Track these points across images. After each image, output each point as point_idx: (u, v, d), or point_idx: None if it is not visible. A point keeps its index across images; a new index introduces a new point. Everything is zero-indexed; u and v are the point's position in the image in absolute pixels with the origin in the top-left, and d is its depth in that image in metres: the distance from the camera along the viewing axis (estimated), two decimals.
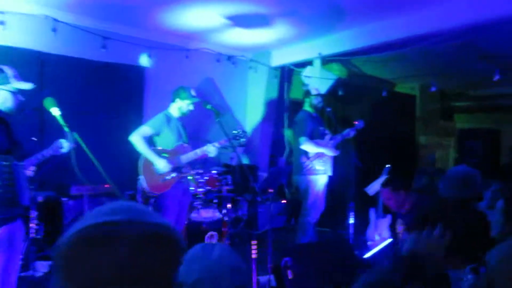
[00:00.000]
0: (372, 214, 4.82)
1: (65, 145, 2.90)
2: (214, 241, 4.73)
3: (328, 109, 4.71)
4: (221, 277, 1.19)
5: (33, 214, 3.69)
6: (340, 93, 6.05)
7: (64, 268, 0.67)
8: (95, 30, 5.10)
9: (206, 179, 4.84)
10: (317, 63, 6.03)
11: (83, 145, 2.37)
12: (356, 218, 4.68)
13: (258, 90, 6.87)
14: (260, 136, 6.71)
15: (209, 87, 6.35)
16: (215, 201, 5.03)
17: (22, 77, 2.97)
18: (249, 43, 6.20)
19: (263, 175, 6.14)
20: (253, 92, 6.97)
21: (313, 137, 4.53)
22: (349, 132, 4.69)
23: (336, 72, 6.58)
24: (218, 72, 6.49)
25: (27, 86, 2.77)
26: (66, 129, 2.38)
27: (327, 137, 4.64)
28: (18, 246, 2.74)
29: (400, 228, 3.48)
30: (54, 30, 4.78)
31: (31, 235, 3.71)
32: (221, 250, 1.25)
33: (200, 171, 4.83)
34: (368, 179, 4.78)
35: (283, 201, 6.19)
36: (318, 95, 4.75)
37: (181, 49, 5.92)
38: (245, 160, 6.39)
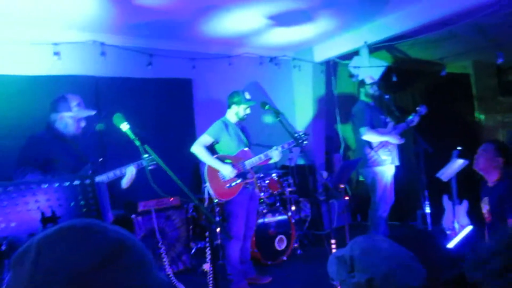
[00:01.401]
0: (446, 201, 4.55)
1: (128, 170, 2.97)
2: (284, 245, 4.63)
3: (386, 97, 4.50)
4: (410, 266, 1.09)
5: None
6: (394, 79, 5.80)
7: None
8: (141, 48, 5.19)
9: (267, 183, 4.76)
10: (364, 52, 5.82)
11: (155, 157, 2.34)
12: (430, 207, 4.42)
13: (305, 88, 6.75)
14: (313, 135, 6.56)
15: (255, 91, 6.28)
16: (278, 204, 4.94)
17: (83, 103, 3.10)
18: (290, 41, 6.10)
19: (321, 173, 5.98)
20: (299, 91, 6.85)
21: (374, 126, 4.34)
22: (413, 119, 4.46)
23: (384, 59, 6.34)
24: (262, 75, 6.44)
25: (88, 113, 2.96)
26: (136, 142, 2.37)
27: (390, 125, 4.44)
28: None
29: (485, 207, 3.19)
30: (103, 54, 4.90)
31: None
32: (387, 240, 1.15)
33: (261, 175, 4.76)
34: (437, 165, 4.52)
35: (345, 198, 5.99)
36: (374, 83, 4.56)
37: (223, 56, 5.92)
38: (301, 160, 6.26)
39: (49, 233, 0.64)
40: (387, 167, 4.39)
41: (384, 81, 5.81)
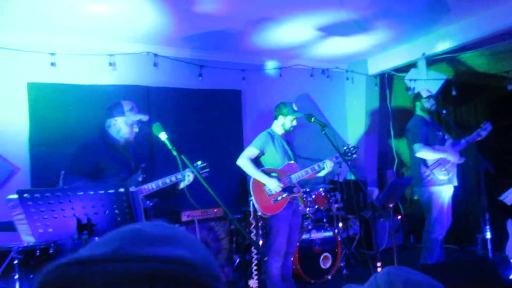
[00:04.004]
0: (510, 226, 4.16)
1: (186, 177, 2.93)
2: (329, 263, 4.44)
3: (444, 111, 4.21)
4: None
5: None
6: (454, 93, 5.44)
7: None
8: (192, 59, 5.27)
9: (313, 198, 4.60)
10: (422, 64, 5.53)
11: (192, 168, 2.30)
12: (491, 232, 4.05)
13: (358, 101, 6.53)
14: (365, 149, 6.31)
15: (305, 103, 6.17)
16: (324, 220, 4.75)
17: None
18: (343, 53, 5.95)
19: (373, 190, 5.72)
20: (352, 104, 6.64)
21: (430, 143, 4.06)
22: (475, 136, 4.11)
23: (443, 72, 5.99)
24: (313, 87, 6.31)
25: (140, 117, 3.01)
26: (174, 152, 2.35)
27: (448, 142, 4.13)
28: None
29: None
30: (155, 64, 5.03)
31: None
32: (416, 272, 0.99)
33: (307, 189, 4.61)
34: (501, 187, 4.14)
35: (398, 217, 5.68)
36: (430, 97, 4.29)
37: (274, 68, 5.87)
38: (350, 176, 6.03)
39: (131, 274, 0.44)
40: (444, 187, 4.08)
41: (443, 95, 5.47)
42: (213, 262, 0.50)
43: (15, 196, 1.85)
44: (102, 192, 1.90)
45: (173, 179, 2.98)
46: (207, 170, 3.18)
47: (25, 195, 1.85)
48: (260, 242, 4.30)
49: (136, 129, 3.07)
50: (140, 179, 2.95)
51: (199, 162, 3.22)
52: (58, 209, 1.90)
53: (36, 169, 4.33)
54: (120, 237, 0.47)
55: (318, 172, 3.74)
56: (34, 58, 4.40)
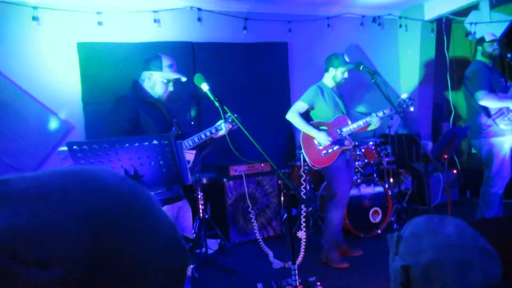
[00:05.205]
0: None
1: (223, 126, 2.90)
2: (379, 217, 4.36)
3: (509, 55, 3.84)
4: (470, 262, 0.83)
5: (200, 195, 3.87)
6: None
7: None
8: (236, 13, 5.14)
9: (363, 152, 4.47)
10: (485, 5, 5.06)
11: (236, 120, 2.27)
12: None
13: (412, 50, 6.14)
14: (419, 102, 5.99)
15: (355, 55, 5.89)
16: (374, 175, 4.63)
17: (180, 69, 3.03)
18: None
19: (427, 144, 5.47)
20: (405, 54, 6.26)
21: (494, 90, 3.75)
22: None
23: (509, 13, 5.44)
24: (363, 36, 6.00)
25: (177, 76, 2.84)
26: (216, 103, 2.31)
27: None
28: (186, 226, 2.83)
29: None
30: (199, 19, 4.95)
31: (200, 215, 3.90)
32: (456, 224, 0.90)
33: (356, 143, 4.48)
34: None
35: (453, 171, 5.43)
36: (494, 40, 3.91)
37: (321, 17, 5.61)
38: (403, 129, 5.78)
39: None
40: (506, 137, 3.80)
41: (508, 38, 5.00)
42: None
43: (65, 148, 1.91)
44: (147, 143, 1.92)
45: (208, 133, 2.89)
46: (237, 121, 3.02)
47: (74, 147, 1.91)
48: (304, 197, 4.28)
49: (171, 88, 2.87)
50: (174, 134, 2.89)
51: (229, 114, 3.04)
52: (106, 160, 1.95)
53: (90, 126, 4.50)
54: None
55: (369, 125, 3.63)
56: (82, 18, 4.47)
